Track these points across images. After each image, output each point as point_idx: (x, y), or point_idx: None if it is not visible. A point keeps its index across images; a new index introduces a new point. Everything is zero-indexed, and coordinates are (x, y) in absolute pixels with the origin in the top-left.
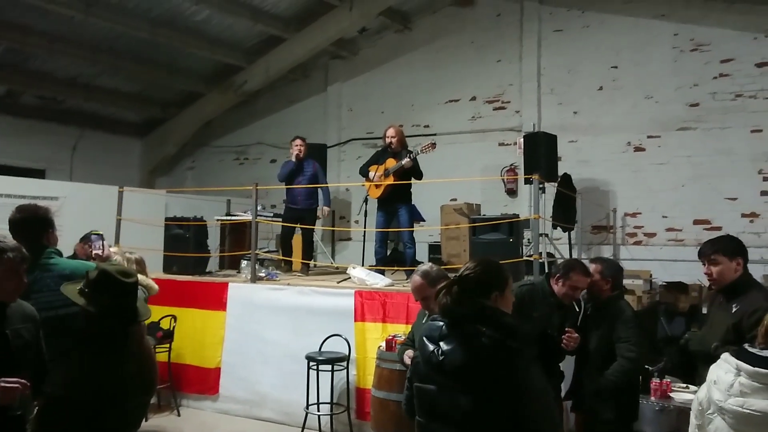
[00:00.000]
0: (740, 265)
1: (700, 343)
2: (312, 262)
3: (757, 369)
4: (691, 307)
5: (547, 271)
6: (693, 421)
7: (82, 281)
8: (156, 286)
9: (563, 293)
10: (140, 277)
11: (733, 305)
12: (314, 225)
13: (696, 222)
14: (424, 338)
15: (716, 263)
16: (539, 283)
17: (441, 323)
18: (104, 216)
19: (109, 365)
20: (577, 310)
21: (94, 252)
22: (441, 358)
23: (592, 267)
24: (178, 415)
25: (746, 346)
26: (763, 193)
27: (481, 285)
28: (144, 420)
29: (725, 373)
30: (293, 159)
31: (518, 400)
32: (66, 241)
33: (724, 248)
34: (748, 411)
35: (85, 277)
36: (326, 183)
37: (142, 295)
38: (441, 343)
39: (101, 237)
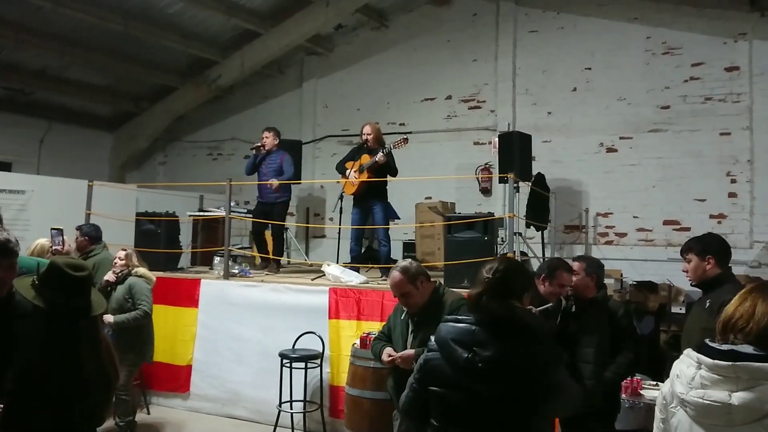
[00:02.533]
0: (711, 263)
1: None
2: (286, 259)
3: (716, 361)
4: (660, 306)
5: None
6: (657, 414)
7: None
8: (153, 277)
9: (550, 292)
10: (141, 269)
11: (707, 300)
12: (282, 219)
13: (666, 222)
14: (452, 342)
15: (689, 261)
16: None
17: (469, 326)
18: (73, 210)
19: (62, 361)
20: (559, 308)
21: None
22: (480, 365)
23: (575, 265)
24: (148, 413)
25: (707, 341)
26: (731, 194)
27: (517, 286)
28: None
29: (687, 367)
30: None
31: (555, 402)
32: (33, 236)
33: (696, 247)
34: (708, 402)
35: (37, 271)
36: (290, 172)
37: (146, 285)
38: (476, 349)
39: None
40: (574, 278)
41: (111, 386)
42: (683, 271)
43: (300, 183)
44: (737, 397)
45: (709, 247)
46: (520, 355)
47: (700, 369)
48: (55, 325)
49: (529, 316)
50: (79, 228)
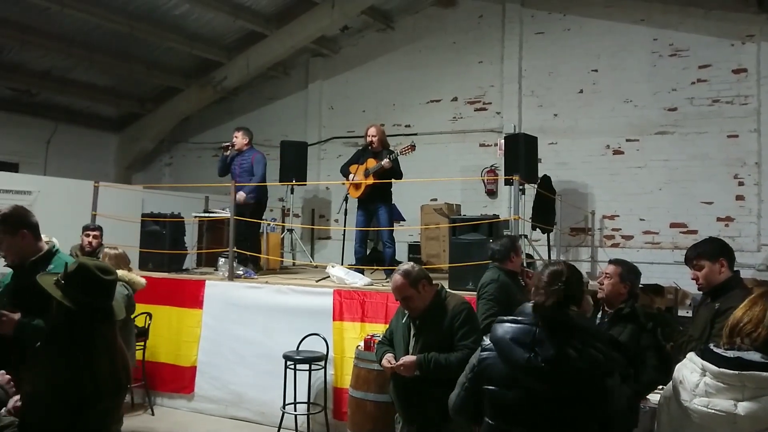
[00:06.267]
0: (724, 266)
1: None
2: (290, 261)
3: (722, 370)
4: (666, 309)
5: (493, 261)
6: (661, 418)
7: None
8: (142, 281)
9: (519, 262)
10: (123, 272)
11: (716, 304)
12: (256, 219)
13: (672, 225)
14: (512, 341)
15: (700, 268)
16: (498, 271)
17: (529, 327)
18: (79, 211)
19: (80, 364)
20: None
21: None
22: (543, 364)
23: (610, 268)
24: (152, 414)
25: (711, 345)
26: (738, 197)
27: (577, 292)
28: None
29: (691, 372)
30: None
31: (609, 409)
32: None
33: (706, 252)
34: (714, 411)
35: (64, 270)
36: (259, 173)
37: (124, 291)
38: (537, 349)
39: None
40: (606, 282)
41: (122, 392)
42: (692, 279)
43: (306, 184)
44: (743, 407)
45: (720, 251)
46: (579, 357)
47: (705, 376)
48: (77, 327)
49: (589, 322)
50: (97, 228)
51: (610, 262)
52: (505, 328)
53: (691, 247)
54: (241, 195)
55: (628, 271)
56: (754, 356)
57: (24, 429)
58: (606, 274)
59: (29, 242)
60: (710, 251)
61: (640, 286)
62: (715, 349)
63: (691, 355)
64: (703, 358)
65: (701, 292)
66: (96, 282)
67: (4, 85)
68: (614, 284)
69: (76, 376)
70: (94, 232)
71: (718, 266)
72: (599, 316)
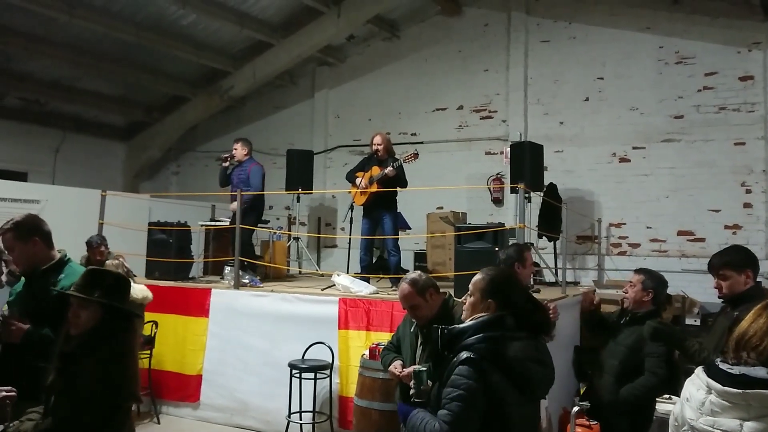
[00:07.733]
0: (750, 277)
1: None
2: (297, 269)
3: (726, 389)
4: (674, 317)
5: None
6: None
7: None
8: (140, 295)
9: (527, 273)
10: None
11: (736, 313)
12: (248, 232)
13: (680, 233)
14: (528, 362)
15: (725, 278)
16: None
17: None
18: (87, 220)
19: (121, 366)
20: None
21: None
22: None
23: (635, 278)
24: (158, 422)
25: (718, 361)
26: (746, 205)
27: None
28: None
29: (697, 390)
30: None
31: None
32: None
33: (733, 261)
34: (719, 431)
35: (91, 280)
36: (254, 183)
37: None
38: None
39: None
40: (630, 290)
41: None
42: (714, 288)
43: (312, 192)
44: (749, 427)
45: (746, 261)
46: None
47: (710, 394)
48: (117, 330)
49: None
50: (104, 241)
51: (635, 271)
52: (525, 345)
53: (716, 254)
54: (233, 206)
55: (650, 280)
56: (760, 372)
57: (56, 426)
58: (631, 282)
59: (41, 250)
60: (737, 261)
61: None
62: (721, 365)
63: (698, 370)
64: (708, 375)
65: (721, 301)
66: (127, 287)
67: (13, 95)
68: (637, 292)
69: (118, 377)
70: (104, 243)
71: (744, 277)
72: (622, 321)
